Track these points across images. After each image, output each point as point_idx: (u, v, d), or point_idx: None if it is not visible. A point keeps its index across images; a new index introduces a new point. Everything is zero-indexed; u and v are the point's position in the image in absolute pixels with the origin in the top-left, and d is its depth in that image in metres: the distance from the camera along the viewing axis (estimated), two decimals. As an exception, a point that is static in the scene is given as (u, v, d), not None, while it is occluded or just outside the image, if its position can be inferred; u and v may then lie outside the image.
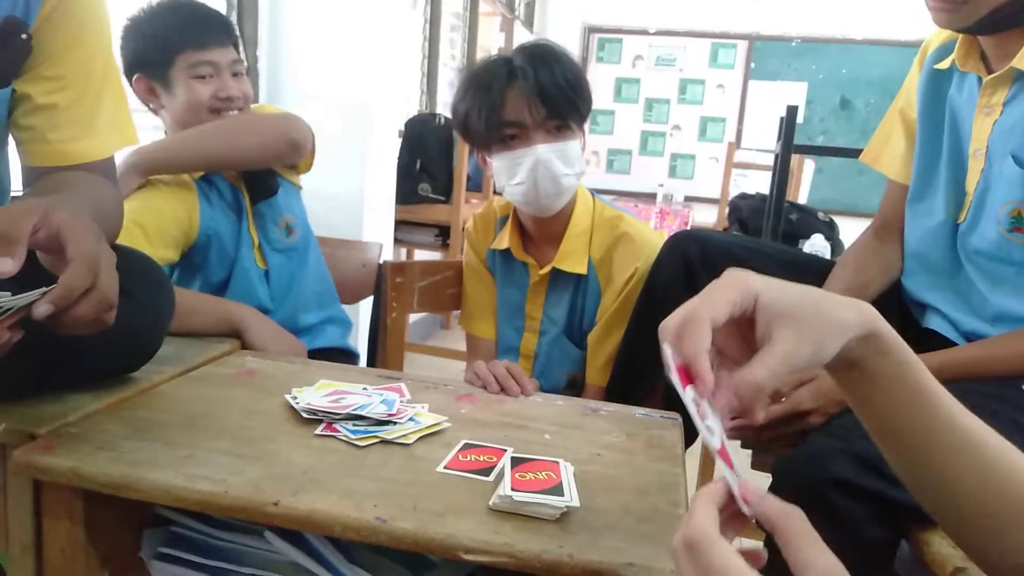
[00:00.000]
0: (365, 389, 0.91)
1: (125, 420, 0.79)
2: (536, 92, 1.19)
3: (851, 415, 0.90)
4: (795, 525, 0.45)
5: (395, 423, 0.82)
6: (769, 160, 2.12)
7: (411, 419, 0.84)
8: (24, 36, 0.85)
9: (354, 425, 0.81)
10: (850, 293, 1.07)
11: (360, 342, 2.38)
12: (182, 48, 1.25)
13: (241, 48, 1.39)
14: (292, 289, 1.41)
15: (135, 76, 1.30)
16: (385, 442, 0.78)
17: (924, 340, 1.04)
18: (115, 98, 0.96)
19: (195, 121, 1.29)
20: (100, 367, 0.87)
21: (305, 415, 0.83)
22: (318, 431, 0.80)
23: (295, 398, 0.86)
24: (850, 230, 1.81)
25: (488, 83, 1.21)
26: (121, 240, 1.13)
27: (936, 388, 0.55)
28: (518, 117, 1.20)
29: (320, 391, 0.89)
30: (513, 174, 1.23)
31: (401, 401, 0.89)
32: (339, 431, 0.80)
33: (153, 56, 1.26)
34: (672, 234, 1.17)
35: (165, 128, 1.34)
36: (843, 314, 0.53)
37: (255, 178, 1.37)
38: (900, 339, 0.55)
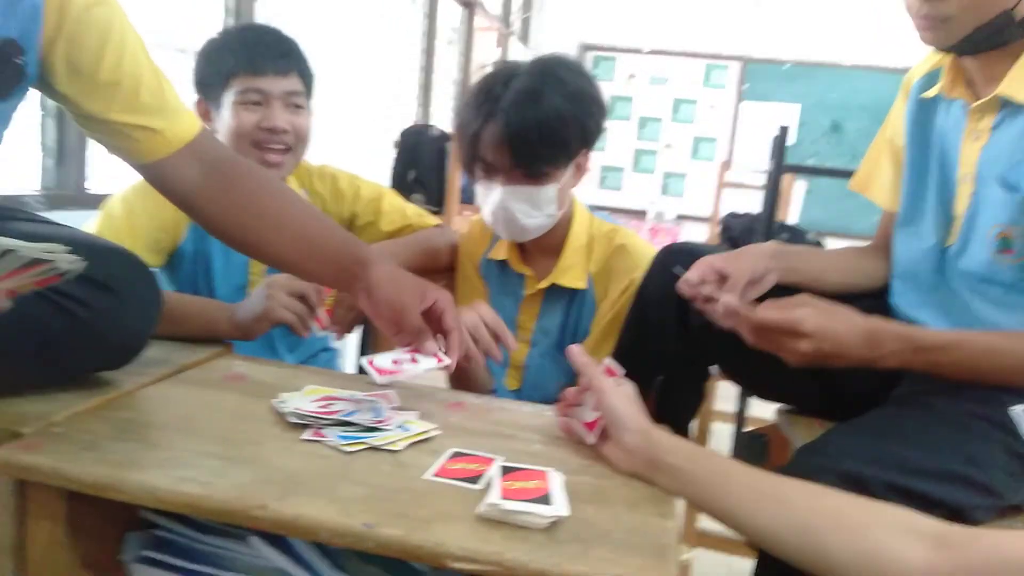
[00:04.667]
0: (354, 395, 0.91)
1: (110, 421, 0.78)
2: (505, 140, 1.16)
3: (839, 432, 0.90)
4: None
5: (383, 430, 0.82)
6: (760, 180, 2.14)
7: (400, 426, 0.83)
8: (18, 61, 0.82)
9: (342, 431, 0.81)
10: (808, 278, 1.07)
11: (350, 349, 2.36)
12: (236, 72, 1.21)
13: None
14: (290, 353, 1.39)
15: (196, 99, 1.28)
16: (373, 449, 0.78)
17: None
18: (167, 79, 0.95)
19: (238, 150, 1.22)
20: (82, 364, 0.87)
21: (292, 420, 0.82)
22: (305, 436, 0.79)
23: (283, 403, 0.86)
24: (840, 251, 1.82)
25: (473, 112, 1.20)
26: (106, 236, 1.13)
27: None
28: (487, 157, 1.20)
29: (308, 396, 0.89)
30: (485, 202, 1.25)
31: (390, 408, 0.88)
32: (327, 436, 0.79)
33: (211, 79, 1.24)
34: (663, 247, 1.17)
35: None
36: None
37: None
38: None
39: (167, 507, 0.66)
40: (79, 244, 0.73)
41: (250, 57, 1.22)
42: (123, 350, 0.88)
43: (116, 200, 1.23)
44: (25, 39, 0.81)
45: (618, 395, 0.80)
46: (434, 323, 0.94)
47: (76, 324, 0.79)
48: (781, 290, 1.03)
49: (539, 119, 1.15)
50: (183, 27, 2.22)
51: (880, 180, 1.18)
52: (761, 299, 1.00)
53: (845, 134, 5.86)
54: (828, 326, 0.92)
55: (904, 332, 0.93)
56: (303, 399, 0.87)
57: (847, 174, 1.31)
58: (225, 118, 1.24)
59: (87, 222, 1.21)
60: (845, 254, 1.20)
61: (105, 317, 0.81)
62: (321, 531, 0.63)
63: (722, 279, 1.01)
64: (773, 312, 0.94)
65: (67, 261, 0.61)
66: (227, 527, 0.74)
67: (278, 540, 0.72)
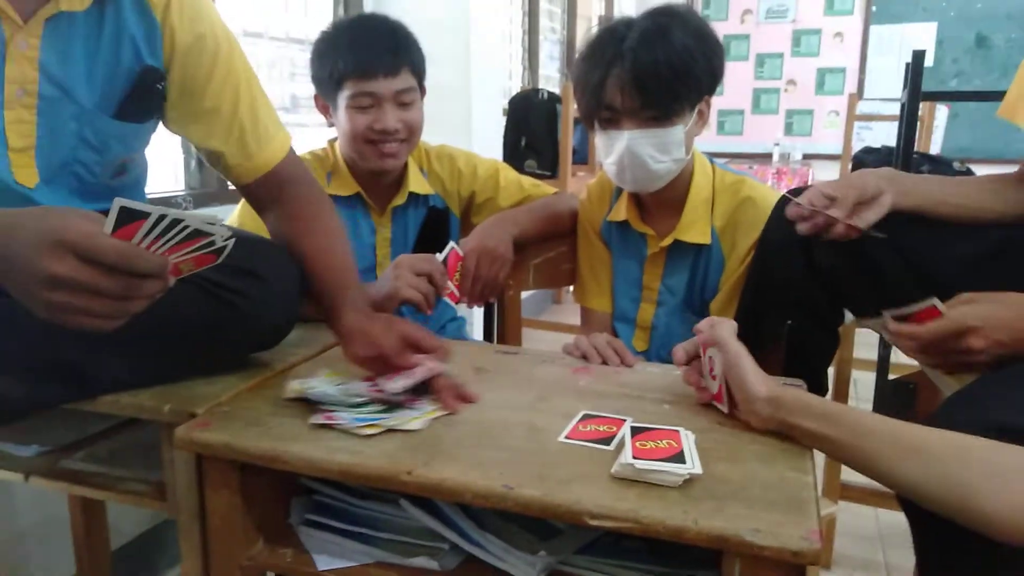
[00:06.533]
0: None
1: (268, 399, 0.86)
2: (632, 81, 1.14)
3: (988, 382, 0.84)
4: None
5: (408, 408, 0.82)
6: (895, 109, 1.98)
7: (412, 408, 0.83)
8: (160, 87, 0.94)
9: (357, 413, 0.80)
10: (927, 201, 1.02)
11: (476, 320, 2.43)
12: (346, 76, 1.26)
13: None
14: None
15: (315, 94, 1.35)
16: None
17: None
18: (265, 102, 1.04)
19: (353, 149, 1.30)
20: (238, 348, 0.95)
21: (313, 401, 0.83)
22: (313, 420, 0.79)
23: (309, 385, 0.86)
24: (990, 179, 1.67)
25: (594, 61, 1.19)
26: (247, 226, 1.22)
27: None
28: (612, 102, 1.18)
29: (330, 380, 0.90)
30: (608, 153, 1.23)
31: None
32: (338, 420, 0.79)
33: (324, 79, 1.30)
34: (787, 190, 1.13)
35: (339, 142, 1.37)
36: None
37: (435, 229, 1.39)
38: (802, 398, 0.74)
39: (324, 475, 0.72)
40: None
41: (358, 61, 1.25)
42: (272, 332, 0.96)
43: None
44: (160, 65, 0.93)
45: (741, 365, 0.79)
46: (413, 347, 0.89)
47: (232, 312, 0.87)
48: (901, 218, 0.99)
49: (668, 55, 1.14)
50: (292, 16, 2.33)
51: None
52: (881, 226, 0.97)
53: (993, 48, 5.31)
54: (993, 313, 0.86)
55: None
56: (326, 383, 0.86)
57: (993, 95, 1.20)
58: (340, 118, 1.30)
59: (230, 216, 1.31)
60: (978, 180, 1.10)
61: (256, 303, 0.88)
62: (465, 493, 0.66)
63: (832, 203, 0.98)
64: (934, 324, 0.89)
65: (223, 236, 0.66)
66: (379, 491, 0.80)
67: (426, 503, 0.77)
